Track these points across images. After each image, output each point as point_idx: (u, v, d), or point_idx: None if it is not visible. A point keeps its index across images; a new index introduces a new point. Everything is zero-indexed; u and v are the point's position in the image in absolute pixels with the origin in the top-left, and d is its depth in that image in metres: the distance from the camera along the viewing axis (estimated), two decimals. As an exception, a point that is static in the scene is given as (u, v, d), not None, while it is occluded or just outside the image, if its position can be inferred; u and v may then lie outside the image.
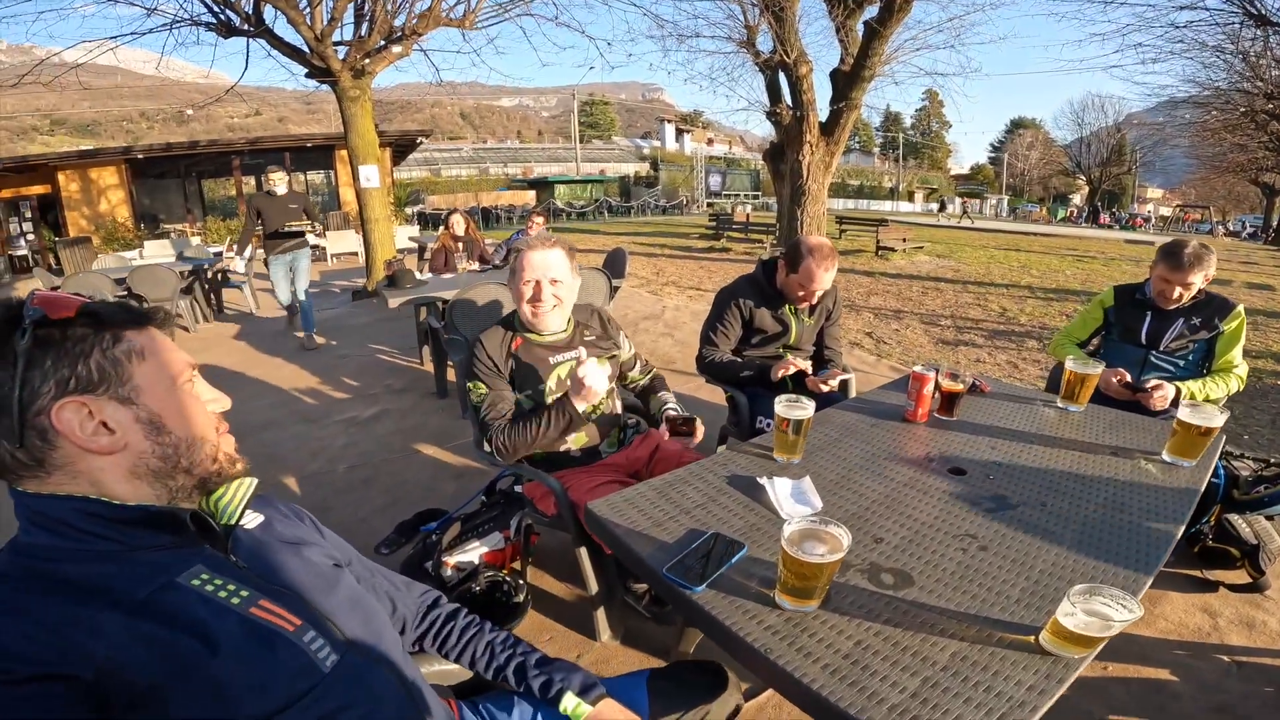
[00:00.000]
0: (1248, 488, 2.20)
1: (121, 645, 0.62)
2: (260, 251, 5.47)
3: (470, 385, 1.73)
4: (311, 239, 5.62)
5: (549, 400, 1.71)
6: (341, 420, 3.77)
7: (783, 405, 1.43)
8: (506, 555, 2.09)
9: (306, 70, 7.26)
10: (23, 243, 13.47)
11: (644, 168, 43.24)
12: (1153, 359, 2.30)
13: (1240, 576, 2.15)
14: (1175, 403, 2.09)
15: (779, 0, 9.27)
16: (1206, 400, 2.14)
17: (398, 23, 7.33)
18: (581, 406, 1.61)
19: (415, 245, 9.41)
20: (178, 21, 6.97)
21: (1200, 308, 2.24)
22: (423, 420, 3.72)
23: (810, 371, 2.18)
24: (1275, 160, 22.46)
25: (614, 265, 4.95)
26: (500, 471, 2.31)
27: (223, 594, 0.72)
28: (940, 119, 72.82)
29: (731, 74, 12.25)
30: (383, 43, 7.40)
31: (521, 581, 1.93)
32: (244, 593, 0.73)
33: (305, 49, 7.05)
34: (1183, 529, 1.28)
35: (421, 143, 17.42)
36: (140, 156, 13.65)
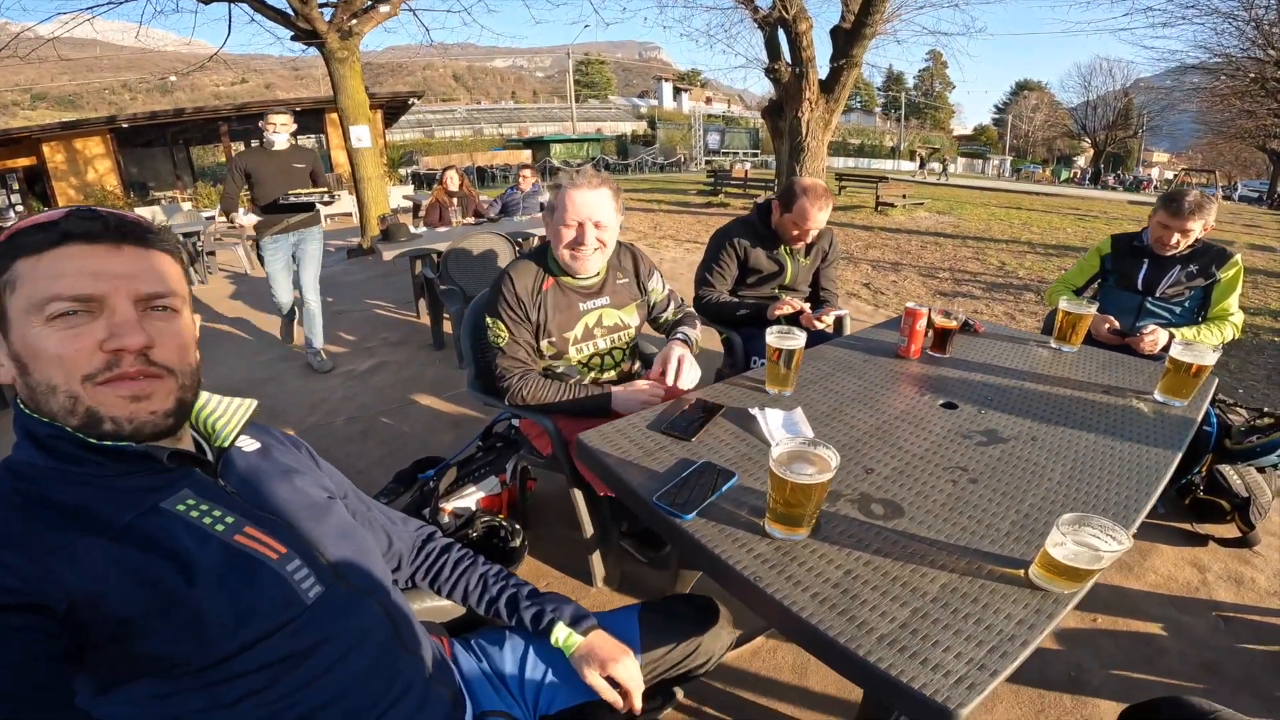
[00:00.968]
0: (1240, 437, 2.21)
1: (99, 575, 0.60)
2: (248, 220, 3.62)
3: (491, 323, 1.61)
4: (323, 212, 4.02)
5: (572, 349, 1.66)
6: (340, 374, 3.78)
7: (774, 336, 1.43)
8: (503, 500, 2.11)
9: (292, 34, 7.04)
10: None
11: (641, 126, 42.39)
12: (1149, 305, 2.29)
13: (1230, 531, 2.17)
14: (1167, 348, 2.10)
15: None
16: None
17: (384, -20, 7.09)
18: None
19: (410, 204, 9.30)
20: (154, -12, 6.69)
21: (1198, 256, 2.23)
22: (420, 371, 3.74)
23: (807, 311, 2.17)
24: (1285, 126, 22.09)
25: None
26: (496, 416, 2.32)
27: (207, 520, 0.70)
28: (944, 79, 71.18)
29: (729, 30, 11.91)
30: (370, 2, 7.16)
31: (517, 526, 1.95)
32: (229, 519, 0.71)
33: (290, 11, 6.83)
34: (1174, 464, 1.29)
35: (413, 104, 17.16)
36: (125, 125, 13.47)
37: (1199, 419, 1.52)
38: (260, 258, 3.85)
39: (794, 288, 2.36)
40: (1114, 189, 31.64)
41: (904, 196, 11.87)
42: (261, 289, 5.34)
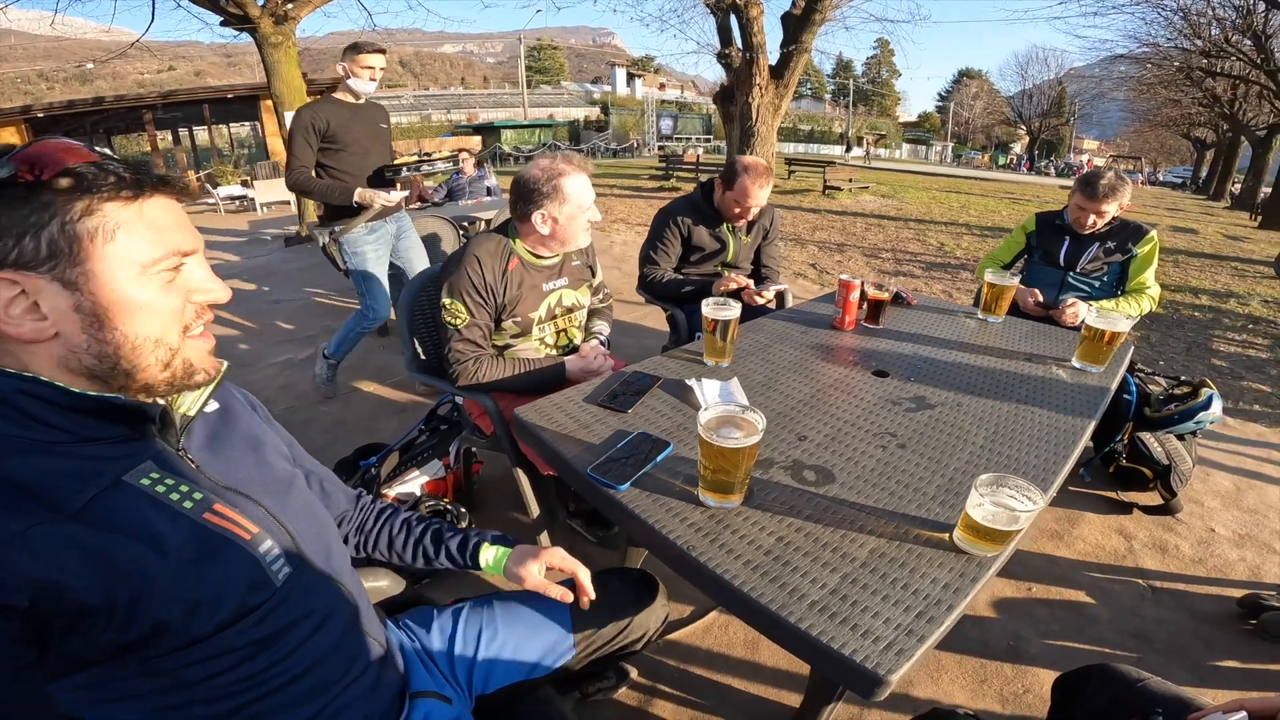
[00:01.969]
0: (1159, 406, 2.31)
1: (59, 563, 0.55)
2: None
3: (449, 303, 1.53)
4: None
5: (535, 330, 1.66)
6: (276, 364, 3.62)
7: (710, 307, 1.44)
8: (448, 484, 2.08)
9: (221, 19, 6.65)
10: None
11: (594, 112, 41.99)
12: (1070, 280, 2.40)
13: (1153, 498, 2.29)
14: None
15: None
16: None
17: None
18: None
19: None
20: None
21: (1116, 233, 2.34)
22: (363, 358, 3.61)
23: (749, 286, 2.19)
24: (1207, 116, 23.44)
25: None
26: (440, 398, 2.28)
27: (174, 496, 0.64)
28: (891, 67, 72.89)
29: (682, 15, 11.96)
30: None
31: (463, 510, 1.92)
32: (197, 495, 0.66)
33: (218, -4, 6.44)
34: (1091, 428, 1.35)
35: None
36: (41, 115, 12.83)
37: (1114, 385, 1.60)
38: (343, 255, 2.83)
39: (736, 265, 2.38)
40: (1046, 174, 33.17)
41: (850, 180, 12.21)
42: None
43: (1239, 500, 2.40)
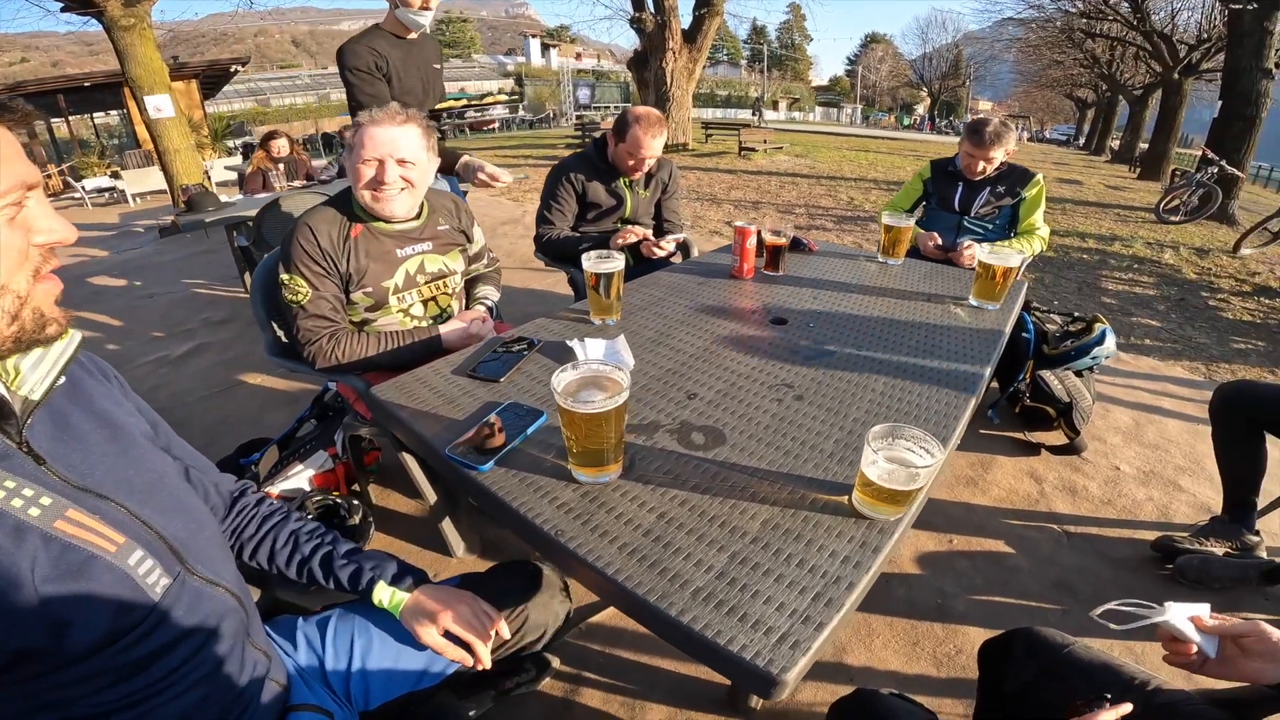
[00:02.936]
0: (1056, 342, 2.37)
1: None
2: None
3: (287, 279, 1.37)
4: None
5: (393, 298, 1.47)
6: (149, 362, 3.27)
7: (590, 261, 1.31)
8: (339, 476, 1.89)
9: (63, 5, 5.98)
10: None
11: (508, 84, 40.54)
12: (965, 224, 2.45)
13: (1058, 437, 2.34)
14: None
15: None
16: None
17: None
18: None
19: (235, 175, 8.27)
20: None
21: (1005, 178, 2.39)
22: (248, 349, 3.32)
23: (648, 238, 2.09)
24: (1088, 76, 25.11)
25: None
26: (324, 384, 2.06)
27: (16, 502, 0.53)
28: (802, 31, 74.28)
29: (595, -21, 11.65)
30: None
31: (356, 503, 1.74)
32: (45, 500, 0.55)
33: (56, -20, 5.79)
34: (992, 364, 1.32)
35: (236, 71, 15.52)
36: None
37: (1010, 324, 1.59)
38: None
39: (636, 220, 2.27)
40: (946, 134, 34.93)
41: (764, 142, 12.39)
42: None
43: (1140, 436, 2.51)
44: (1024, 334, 2.32)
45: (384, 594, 0.85)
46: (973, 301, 1.66)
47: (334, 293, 1.41)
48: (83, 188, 9.90)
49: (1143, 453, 2.37)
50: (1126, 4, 14.69)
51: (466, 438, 0.97)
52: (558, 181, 2.17)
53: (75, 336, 0.62)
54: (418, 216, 1.50)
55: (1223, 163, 7.49)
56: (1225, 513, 1.78)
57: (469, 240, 1.67)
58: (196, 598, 0.65)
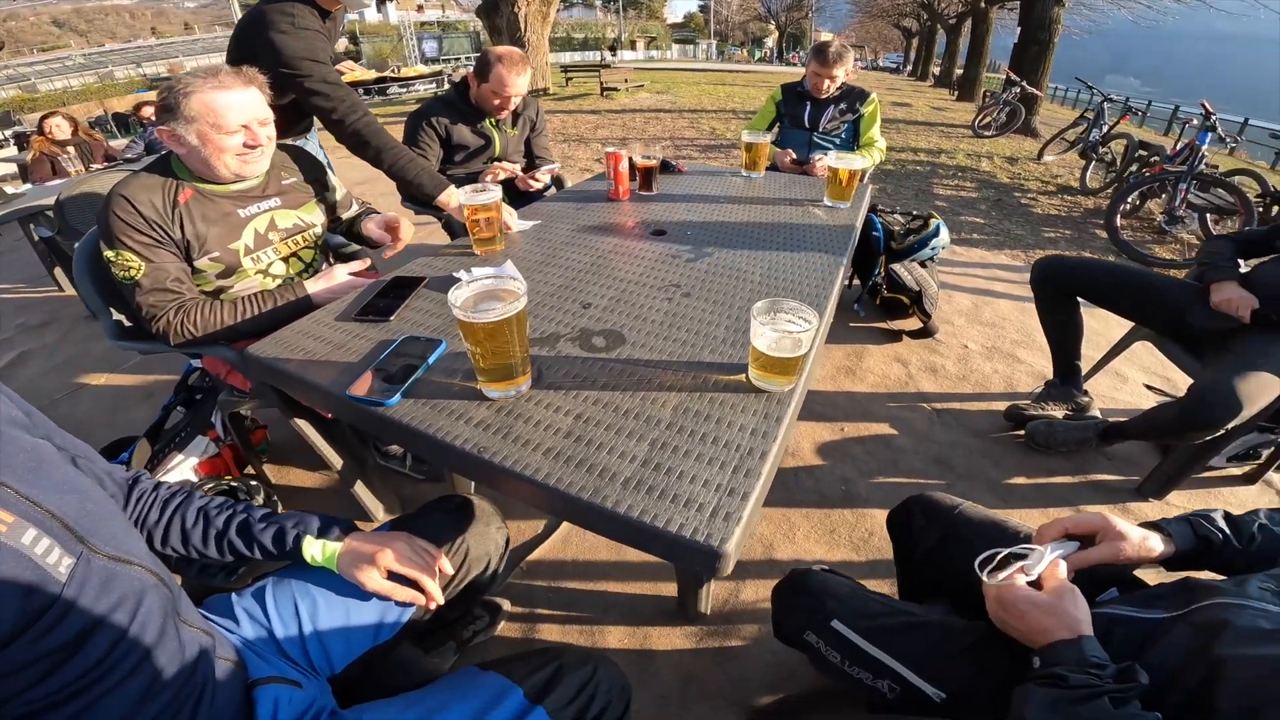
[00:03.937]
0: (901, 238, 2.67)
1: None
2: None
3: (114, 256, 1.25)
4: None
5: (247, 260, 1.36)
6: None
7: (466, 194, 1.29)
8: (227, 460, 1.75)
9: None
10: None
11: (342, 43, 36.65)
12: (815, 139, 2.66)
13: (915, 323, 2.65)
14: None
15: None
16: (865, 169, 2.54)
17: None
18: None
19: (16, 167, 6.94)
20: None
21: (846, 96, 2.62)
22: (82, 349, 2.90)
23: (519, 173, 2.08)
24: (911, 6, 26.89)
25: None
26: (186, 366, 1.88)
27: None
28: (653, -32, 72.79)
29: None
30: None
31: (256, 483, 1.63)
32: None
33: None
34: (849, 251, 1.47)
35: None
36: None
37: (860, 218, 1.77)
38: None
39: (506, 159, 2.22)
40: (793, 65, 36.54)
41: (626, 81, 12.33)
42: None
43: (979, 316, 2.89)
44: (874, 233, 2.59)
45: (314, 548, 0.82)
46: (827, 202, 1.83)
47: (173, 262, 1.28)
48: None
49: (984, 331, 2.74)
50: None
51: (366, 377, 0.95)
52: (418, 127, 2.06)
53: None
54: (257, 176, 1.40)
55: (1023, 84, 8.47)
56: (1056, 376, 2.08)
57: (325, 188, 1.57)
58: (108, 577, 0.60)
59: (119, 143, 4.99)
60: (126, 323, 1.47)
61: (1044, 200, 5.08)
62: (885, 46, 53.62)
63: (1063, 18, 8.90)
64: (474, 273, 1.20)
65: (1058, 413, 2.01)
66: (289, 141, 1.64)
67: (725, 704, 1.23)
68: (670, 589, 1.46)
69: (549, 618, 1.42)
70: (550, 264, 1.33)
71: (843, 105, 2.60)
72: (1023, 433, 1.98)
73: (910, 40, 36.15)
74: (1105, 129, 5.79)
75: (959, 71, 16.34)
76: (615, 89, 11.80)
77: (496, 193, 1.31)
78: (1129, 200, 4.24)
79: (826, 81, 2.52)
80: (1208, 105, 4.47)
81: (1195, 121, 4.37)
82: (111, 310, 1.47)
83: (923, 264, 2.72)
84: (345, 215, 1.68)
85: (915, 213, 2.79)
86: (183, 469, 1.66)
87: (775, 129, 2.81)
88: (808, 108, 2.63)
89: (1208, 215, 3.98)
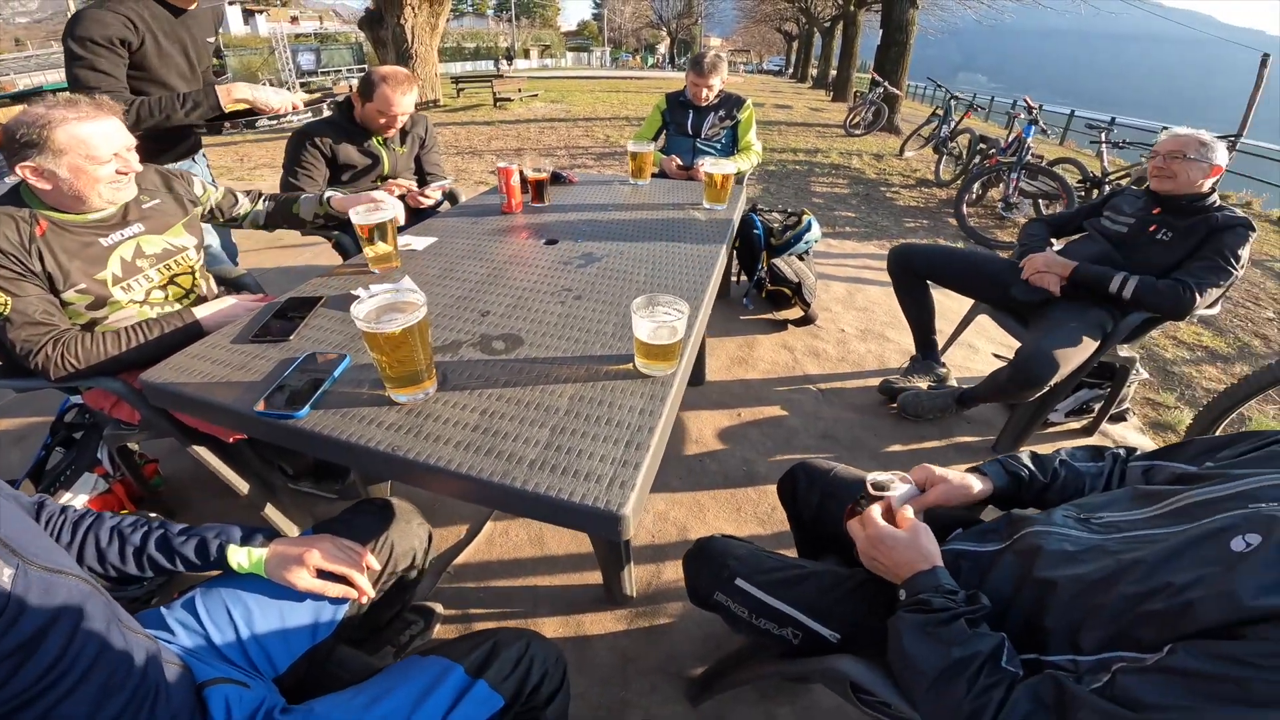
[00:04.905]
0: (780, 234, 2.93)
1: None
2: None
3: None
4: None
5: (117, 290, 1.32)
6: None
7: (360, 214, 1.33)
8: (120, 496, 1.68)
9: None
10: None
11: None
12: (699, 145, 2.86)
13: (797, 312, 2.89)
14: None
15: None
16: (739, 172, 2.76)
17: None
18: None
19: None
20: None
21: (724, 104, 2.83)
22: None
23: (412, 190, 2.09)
24: (791, 11, 28.49)
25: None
26: (61, 404, 1.78)
27: None
28: (547, -24, 72.31)
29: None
30: None
31: (155, 515, 1.57)
32: None
33: None
34: (724, 250, 1.63)
35: None
36: None
37: (737, 217, 1.96)
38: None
39: (395, 177, 2.23)
40: (684, 70, 37.95)
41: (519, 90, 12.27)
42: None
43: (853, 302, 3.19)
44: (755, 231, 2.83)
45: (240, 555, 0.85)
46: (705, 205, 2.00)
47: (38, 294, 1.24)
48: None
49: (858, 315, 3.05)
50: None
51: (272, 393, 0.99)
52: (301, 147, 2.03)
53: None
54: (113, 203, 1.37)
55: (886, 84, 9.28)
56: (919, 351, 2.36)
57: (195, 203, 1.55)
58: (47, 585, 0.63)
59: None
60: (-4, 361, 1.39)
61: (905, 193, 5.64)
62: (769, 50, 56.46)
63: (917, 19, 9.77)
64: (372, 289, 1.26)
65: (923, 384, 2.27)
66: (168, 166, 1.60)
67: (663, 677, 1.33)
68: (596, 577, 1.55)
69: (483, 616, 1.48)
70: (448, 277, 1.40)
71: (722, 112, 2.81)
72: (895, 405, 2.22)
73: (791, 44, 38.30)
74: (953, 125, 6.48)
75: (834, 73, 17.56)
76: (509, 99, 11.76)
77: (391, 210, 1.36)
78: (973, 190, 4.82)
79: (704, 90, 2.72)
80: (1030, 100, 5.14)
81: (1023, 115, 5.02)
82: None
83: (800, 257, 2.99)
84: (241, 212, 1.66)
85: (791, 210, 3.06)
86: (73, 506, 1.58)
87: (662, 137, 2.98)
88: (690, 115, 2.83)
89: (1039, 200, 4.61)
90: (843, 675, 0.85)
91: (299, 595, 0.89)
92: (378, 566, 0.97)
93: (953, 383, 2.32)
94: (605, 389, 0.99)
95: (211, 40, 2.05)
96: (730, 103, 2.82)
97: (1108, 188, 4.43)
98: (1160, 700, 0.55)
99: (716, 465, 1.95)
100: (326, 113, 2.29)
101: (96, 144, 1.23)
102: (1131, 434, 2.25)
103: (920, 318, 2.32)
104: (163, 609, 0.87)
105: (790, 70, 36.08)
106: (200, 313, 1.37)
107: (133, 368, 1.30)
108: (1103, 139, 4.86)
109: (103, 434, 1.57)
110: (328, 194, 1.63)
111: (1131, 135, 5.62)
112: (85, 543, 0.83)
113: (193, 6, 1.84)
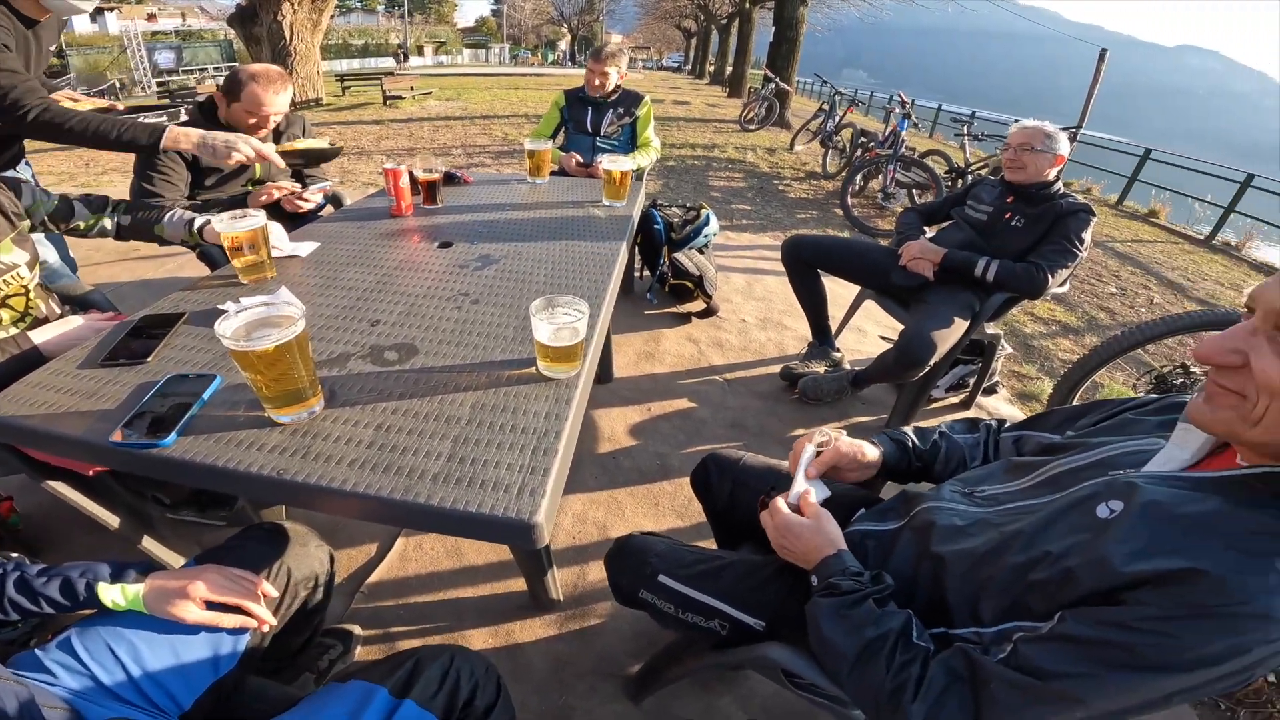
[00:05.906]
0: (680, 229, 3.00)
1: None
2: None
3: None
4: None
5: None
6: None
7: (225, 222, 1.23)
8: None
9: None
10: None
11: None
12: (598, 143, 2.87)
13: (700, 305, 2.96)
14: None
15: None
16: (638, 168, 2.79)
17: None
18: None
19: None
20: None
21: (622, 100, 2.86)
22: None
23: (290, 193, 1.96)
24: (690, 8, 29.04)
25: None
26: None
27: None
28: (442, -29, 69.37)
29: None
30: None
31: (14, 556, 1.38)
32: None
33: None
34: (624, 247, 1.63)
35: None
36: None
37: (636, 212, 1.98)
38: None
39: (269, 180, 2.08)
40: (583, 66, 38.02)
41: (411, 88, 11.77)
42: None
43: (752, 292, 3.31)
44: (655, 226, 2.88)
45: (112, 593, 0.78)
46: (605, 202, 2.01)
47: None
48: None
49: (757, 305, 3.17)
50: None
51: (132, 421, 0.90)
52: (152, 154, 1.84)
53: None
54: None
55: (778, 80, 9.69)
56: (814, 338, 2.49)
57: (22, 218, 1.36)
58: None
59: None
60: None
61: (797, 186, 5.94)
62: (669, 47, 57.40)
63: (806, 16, 10.26)
64: (243, 302, 1.16)
65: (820, 369, 2.39)
66: None
67: (601, 678, 1.33)
68: (520, 584, 1.52)
69: (406, 634, 1.42)
70: (332, 286, 1.32)
71: (620, 109, 2.83)
72: (797, 390, 2.33)
73: (690, 40, 39.12)
74: (837, 120, 6.89)
75: (730, 69, 18.10)
76: (400, 97, 11.23)
77: (257, 218, 1.26)
78: (855, 182, 5.15)
79: (599, 78, 2.74)
80: (904, 96, 5.55)
81: (897, 110, 5.42)
82: None
83: (700, 250, 3.08)
84: (82, 225, 1.48)
85: (690, 205, 3.14)
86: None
87: (561, 134, 2.96)
88: (590, 112, 2.83)
89: (913, 190, 4.99)
90: (773, 663, 0.87)
91: (192, 628, 0.82)
92: (275, 594, 0.91)
93: (847, 366, 2.46)
94: (508, 395, 0.96)
95: (52, 49, 1.85)
96: (629, 99, 2.85)
97: (970, 178, 4.88)
98: (1060, 668, 0.57)
99: (631, 461, 1.96)
100: (183, 116, 2.07)
101: None
102: (1003, 405, 2.49)
103: (814, 305, 2.44)
104: (38, 651, 0.79)
105: (689, 66, 36.89)
106: (38, 337, 1.22)
107: None
108: (965, 132, 5.34)
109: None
110: (200, 220, 1.48)
111: (990, 128, 6.22)
112: None
113: (46, 18, 1.67)
